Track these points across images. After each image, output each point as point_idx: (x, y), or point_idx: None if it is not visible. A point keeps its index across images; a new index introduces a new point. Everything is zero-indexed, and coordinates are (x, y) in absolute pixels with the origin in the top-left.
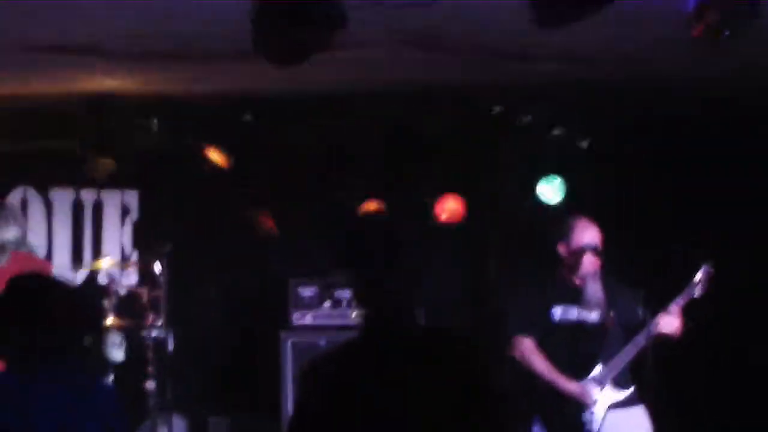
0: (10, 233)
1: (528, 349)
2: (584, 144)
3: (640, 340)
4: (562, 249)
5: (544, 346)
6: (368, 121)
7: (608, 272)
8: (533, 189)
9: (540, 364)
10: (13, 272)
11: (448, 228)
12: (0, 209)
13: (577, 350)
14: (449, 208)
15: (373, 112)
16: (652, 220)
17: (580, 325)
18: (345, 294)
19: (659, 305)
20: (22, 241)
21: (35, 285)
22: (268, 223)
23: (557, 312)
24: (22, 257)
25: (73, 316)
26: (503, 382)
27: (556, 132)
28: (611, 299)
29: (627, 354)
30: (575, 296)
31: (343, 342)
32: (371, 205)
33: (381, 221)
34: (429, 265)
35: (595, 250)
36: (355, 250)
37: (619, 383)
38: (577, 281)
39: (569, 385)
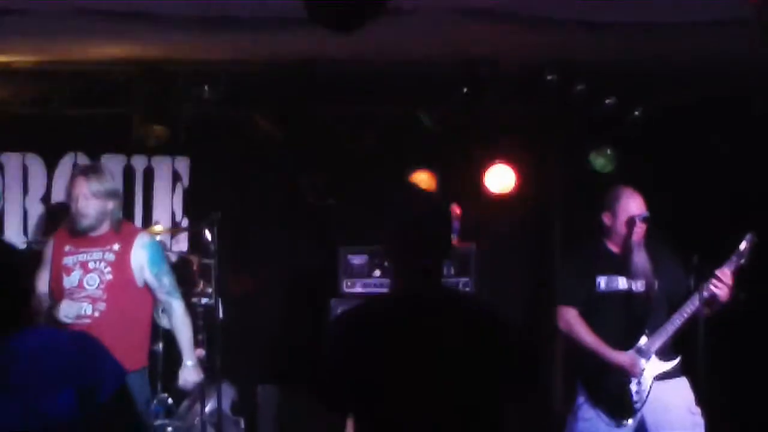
0: (118, 187)
1: (572, 318)
2: (637, 114)
3: (686, 310)
4: (606, 218)
5: (590, 315)
6: (422, 90)
7: (655, 241)
8: (586, 158)
9: (584, 333)
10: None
11: (504, 198)
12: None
13: (624, 320)
14: (500, 178)
15: (427, 81)
16: (702, 191)
17: (626, 295)
18: None
19: (707, 274)
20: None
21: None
22: (317, 191)
23: (602, 282)
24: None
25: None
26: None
27: (609, 101)
28: (657, 269)
29: (673, 324)
30: (620, 266)
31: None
32: (422, 176)
33: (427, 198)
34: (487, 236)
35: (640, 219)
36: (400, 222)
37: (665, 354)
38: (622, 251)
39: (616, 356)
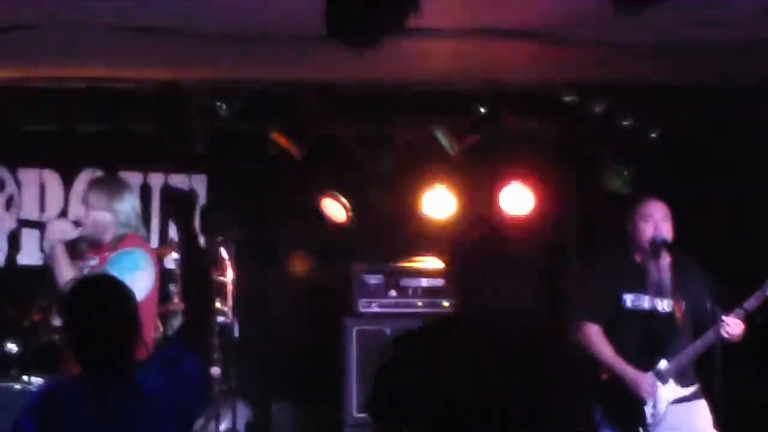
0: (126, 204)
1: (594, 335)
2: (655, 135)
3: (708, 337)
4: (629, 227)
5: (613, 333)
6: (439, 110)
7: (680, 261)
8: (603, 179)
9: (604, 349)
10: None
11: (520, 219)
12: (112, 181)
13: (644, 340)
14: (517, 199)
15: (445, 101)
16: (721, 212)
17: (649, 314)
18: (410, 282)
19: (727, 303)
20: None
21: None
22: (336, 209)
23: (628, 299)
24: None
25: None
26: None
27: (627, 122)
28: (682, 288)
29: (694, 350)
30: (645, 283)
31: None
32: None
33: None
34: (504, 257)
35: (659, 242)
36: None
37: (683, 379)
38: (646, 267)
39: (634, 374)
